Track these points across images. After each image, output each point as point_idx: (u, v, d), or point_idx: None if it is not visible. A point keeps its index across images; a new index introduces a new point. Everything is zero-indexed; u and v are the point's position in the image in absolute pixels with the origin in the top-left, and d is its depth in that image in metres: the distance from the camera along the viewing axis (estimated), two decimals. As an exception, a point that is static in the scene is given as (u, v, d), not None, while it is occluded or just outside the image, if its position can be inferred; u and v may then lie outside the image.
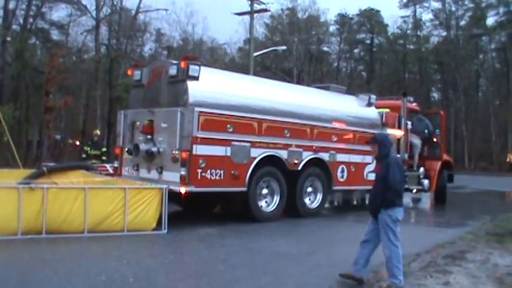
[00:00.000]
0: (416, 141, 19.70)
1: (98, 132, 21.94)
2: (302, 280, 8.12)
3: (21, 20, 43.72)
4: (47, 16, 47.48)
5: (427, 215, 18.60)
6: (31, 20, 44.10)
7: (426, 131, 20.16)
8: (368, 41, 72.82)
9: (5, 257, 9.11)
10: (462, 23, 68.37)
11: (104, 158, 19.71)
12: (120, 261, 8.86)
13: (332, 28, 71.28)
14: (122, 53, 43.66)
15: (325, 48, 70.62)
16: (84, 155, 20.67)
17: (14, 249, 9.70)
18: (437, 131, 21.07)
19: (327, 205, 16.91)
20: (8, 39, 40.73)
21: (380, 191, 7.73)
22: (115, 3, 45.88)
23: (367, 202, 20.71)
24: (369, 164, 16.74)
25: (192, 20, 71.41)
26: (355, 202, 20.03)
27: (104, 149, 20.56)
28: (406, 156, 19.08)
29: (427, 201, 21.90)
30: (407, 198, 21.89)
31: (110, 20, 45.91)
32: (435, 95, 75.84)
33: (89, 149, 20.61)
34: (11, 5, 41.91)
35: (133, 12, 47.35)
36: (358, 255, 7.99)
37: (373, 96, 18.08)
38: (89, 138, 22.23)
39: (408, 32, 71.34)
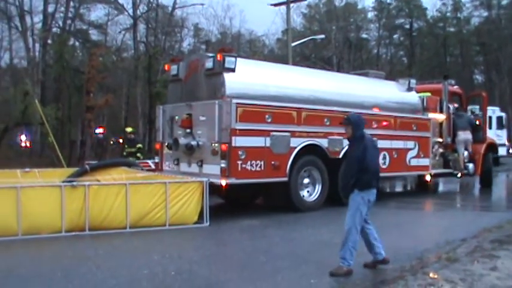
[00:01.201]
0: (467, 136, 19.08)
1: (130, 129, 22.00)
2: (345, 268, 8.03)
3: (60, 23, 44.32)
4: (85, 17, 48.09)
5: (473, 199, 18.28)
6: (70, 21, 44.64)
7: (469, 125, 19.45)
8: (407, 26, 71.63)
9: (49, 254, 9.24)
10: (504, 1, 66.57)
11: (138, 154, 19.74)
12: (162, 255, 8.89)
13: (370, 14, 70.46)
14: (161, 49, 43.84)
15: (364, 35, 69.88)
16: (124, 153, 20.90)
17: (58, 246, 9.81)
18: (479, 113, 20.63)
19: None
20: (49, 41, 41.33)
21: (354, 173, 7.67)
22: (151, 0, 46.14)
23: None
24: (411, 149, 16.56)
25: (229, 13, 71.79)
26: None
27: (139, 146, 20.59)
28: (450, 139, 18.75)
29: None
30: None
31: (147, 18, 46.15)
32: (478, 77, 74.48)
33: (126, 146, 20.84)
34: (50, 9, 42.56)
35: (170, 8, 47.54)
36: (366, 241, 7.96)
37: (413, 81, 17.84)
38: (125, 137, 22.37)
39: (448, 14, 69.92)
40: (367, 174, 7.63)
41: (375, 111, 15.83)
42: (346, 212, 7.78)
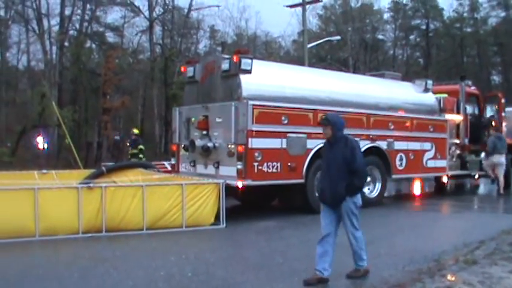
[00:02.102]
0: (502, 159, 18.50)
1: (136, 131, 21.95)
2: (362, 270, 7.99)
3: (77, 25, 44.54)
4: (102, 19, 48.23)
5: (491, 201, 18.13)
6: (86, 24, 44.86)
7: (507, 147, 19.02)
8: (423, 27, 71.06)
9: (67, 255, 9.29)
10: (522, 2, 66.19)
11: (140, 155, 19.65)
12: (179, 257, 8.91)
13: (386, 15, 69.98)
14: (177, 51, 43.95)
15: (380, 36, 69.41)
16: (129, 156, 20.87)
17: (75, 248, 9.86)
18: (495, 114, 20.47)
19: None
20: (66, 44, 41.57)
21: (344, 177, 7.18)
22: (167, 2, 46.23)
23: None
24: (428, 151, 16.49)
25: (244, 15, 71.36)
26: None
27: (140, 147, 20.46)
28: (467, 141, 18.64)
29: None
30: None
31: (163, 20, 46.32)
32: (496, 78, 73.87)
33: (130, 148, 20.75)
34: (67, 11, 42.81)
35: (185, 10, 47.63)
36: (321, 253, 7.31)
37: (430, 82, 17.74)
38: (129, 138, 22.30)
39: (465, 14, 69.29)
40: (359, 178, 7.25)
41: (391, 112, 15.78)
42: (344, 226, 7.39)
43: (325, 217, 7.44)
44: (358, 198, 7.39)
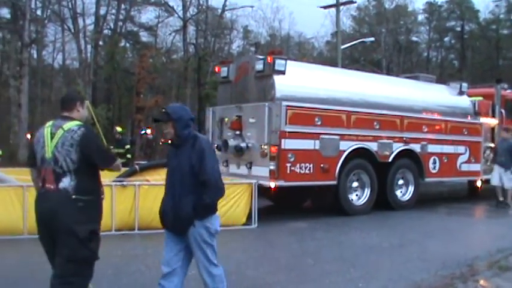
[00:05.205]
0: None
1: (119, 129, 21.69)
2: (393, 274, 7.94)
3: (111, 25, 45.06)
4: (136, 19, 48.74)
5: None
6: (121, 23, 45.34)
7: None
8: (459, 29, 70.38)
9: (100, 252, 9.32)
10: (560, 2, 65.09)
11: (128, 156, 19.38)
12: (211, 256, 8.93)
13: (420, 17, 69.45)
14: (210, 51, 44.16)
15: (414, 38, 68.95)
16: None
17: (107, 245, 9.86)
18: None
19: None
20: (100, 43, 42.03)
21: (191, 192, 5.26)
22: (201, 2, 46.52)
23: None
24: (462, 154, 16.31)
25: (278, 15, 71.73)
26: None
27: (127, 147, 20.08)
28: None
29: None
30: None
31: (197, 20, 46.57)
32: (532, 81, 72.79)
33: (112, 147, 20.35)
34: (102, 11, 43.34)
35: (219, 10, 47.89)
36: None
37: (465, 85, 17.54)
38: (113, 137, 21.92)
39: (501, 16, 68.47)
40: (211, 191, 5.24)
41: (425, 115, 15.65)
42: (196, 260, 5.52)
43: (169, 248, 5.54)
44: (213, 222, 5.39)
